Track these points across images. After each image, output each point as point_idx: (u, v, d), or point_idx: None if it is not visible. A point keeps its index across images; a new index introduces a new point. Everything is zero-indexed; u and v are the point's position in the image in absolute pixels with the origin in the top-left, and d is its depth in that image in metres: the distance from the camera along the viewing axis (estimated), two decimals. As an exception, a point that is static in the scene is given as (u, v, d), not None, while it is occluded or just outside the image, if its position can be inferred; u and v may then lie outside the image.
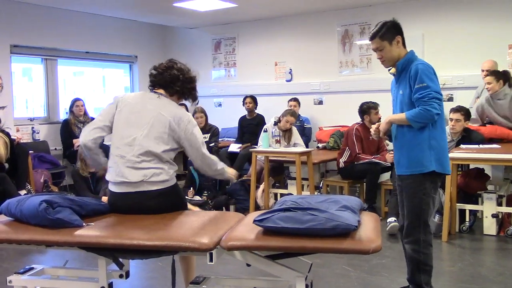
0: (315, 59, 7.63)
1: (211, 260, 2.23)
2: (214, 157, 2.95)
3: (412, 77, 3.01)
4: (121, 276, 2.65)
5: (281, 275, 2.37)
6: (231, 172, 3.09)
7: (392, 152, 5.63)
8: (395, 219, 4.88)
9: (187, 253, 2.31)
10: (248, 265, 2.40)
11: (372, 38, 3.12)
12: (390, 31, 3.09)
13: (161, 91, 2.89)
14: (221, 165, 2.95)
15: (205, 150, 2.85)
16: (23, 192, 5.38)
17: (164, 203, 2.69)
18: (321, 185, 5.96)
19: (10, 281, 2.58)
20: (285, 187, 6.09)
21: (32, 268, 2.73)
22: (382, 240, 4.64)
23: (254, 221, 2.20)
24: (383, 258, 4.22)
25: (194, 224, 2.45)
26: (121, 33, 8.20)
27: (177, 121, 2.75)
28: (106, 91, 8.97)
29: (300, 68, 7.82)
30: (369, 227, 2.31)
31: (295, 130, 6.36)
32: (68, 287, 2.66)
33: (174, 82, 2.88)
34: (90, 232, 2.33)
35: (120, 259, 2.43)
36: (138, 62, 8.52)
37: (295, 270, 2.34)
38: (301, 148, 6.01)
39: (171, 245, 2.21)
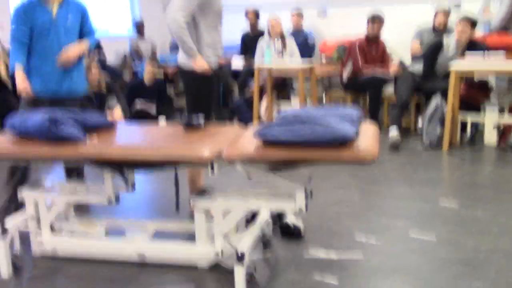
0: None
1: (212, 172, 2.30)
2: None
3: None
4: (126, 188, 2.74)
5: (281, 186, 2.44)
6: (199, 64, 3.13)
7: (395, 65, 5.66)
8: (397, 132, 4.94)
9: (189, 165, 2.37)
10: (250, 178, 2.47)
11: None
12: None
13: None
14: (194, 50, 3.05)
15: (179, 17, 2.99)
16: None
17: None
18: (324, 99, 5.97)
19: (20, 196, 2.67)
20: (289, 101, 6.11)
21: (40, 182, 2.81)
22: (384, 151, 4.78)
23: (255, 134, 2.24)
24: (383, 169, 4.32)
25: (196, 137, 2.49)
26: None
27: None
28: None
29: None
30: (367, 137, 2.34)
31: (290, 39, 6.24)
32: (77, 199, 2.76)
33: None
34: (95, 146, 2.38)
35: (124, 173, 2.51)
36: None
37: (295, 182, 2.41)
38: (296, 58, 5.94)
39: (172, 157, 2.27)
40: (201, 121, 2.70)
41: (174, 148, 2.33)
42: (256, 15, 7.28)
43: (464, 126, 4.96)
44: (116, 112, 5.53)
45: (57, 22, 3.20)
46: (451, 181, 4.04)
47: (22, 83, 3.13)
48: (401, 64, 5.70)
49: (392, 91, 5.75)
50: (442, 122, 4.78)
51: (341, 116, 2.42)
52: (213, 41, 3.22)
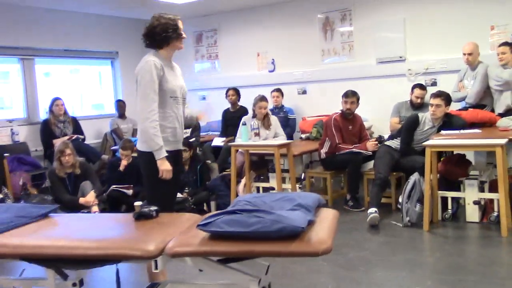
0: (298, 48, 7.49)
1: (156, 268, 2.13)
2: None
3: None
4: (74, 285, 2.55)
5: (234, 279, 2.27)
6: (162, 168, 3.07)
7: (373, 140, 5.60)
8: (376, 210, 4.79)
9: (132, 261, 2.21)
10: (201, 270, 2.31)
11: None
12: None
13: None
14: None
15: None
16: (-2, 196, 5.28)
17: None
18: (303, 177, 5.85)
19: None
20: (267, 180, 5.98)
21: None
22: (362, 231, 4.60)
23: (198, 225, 2.10)
24: (361, 250, 4.13)
25: (142, 228, 2.34)
26: (100, 29, 8.05)
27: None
28: (102, 87, 8.81)
29: (282, 58, 7.68)
30: (323, 226, 2.20)
31: (274, 118, 6.22)
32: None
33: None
34: (31, 241, 2.22)
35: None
36: (120, 57, 8.38)
37: (249, 274, 2.24)
38: (281, 139, 5.90)
39: (112, 253, 2.10)
40: (153, 210, 2.55)
41: (114, 242, 2.17)
42: (237, 92, 7.35)
43: (445, 202, 4.82)
44: (90, 195, 5.39)
45: None
46: (431, 264, 3.83)
47: None
48: (380, 140, 5.65)
49: (372, 167, 5.66)
50: (421, 199, 4.65)
51: (297, 203, 2.30)
52: (172, 121, 3.16)
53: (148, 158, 3.07)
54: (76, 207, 5.23)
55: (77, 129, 7.03)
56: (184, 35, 3.20)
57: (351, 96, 5.56)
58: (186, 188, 5.69)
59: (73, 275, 2.56)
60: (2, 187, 5.53)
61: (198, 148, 6.79)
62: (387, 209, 5.25)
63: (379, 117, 6.60)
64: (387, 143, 5.34)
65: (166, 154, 3.07)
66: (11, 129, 6.89)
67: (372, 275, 3.62)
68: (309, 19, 7.34)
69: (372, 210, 4.78)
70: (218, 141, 7.03)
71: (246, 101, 7.32)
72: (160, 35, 3.11)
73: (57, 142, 6.40)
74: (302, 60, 7.46)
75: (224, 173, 6.18)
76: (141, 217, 2.52)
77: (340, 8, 7.07)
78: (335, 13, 7.12)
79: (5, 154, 5.84)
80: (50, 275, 2.44)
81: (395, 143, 5.24)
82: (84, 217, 2.71)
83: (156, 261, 2.12)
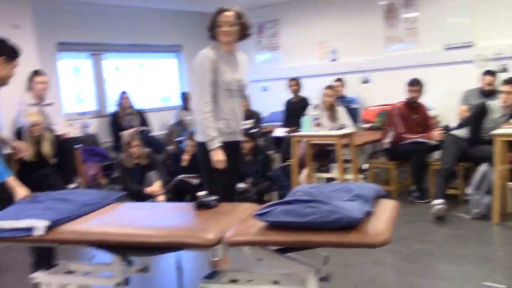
0: (359, 37, 7.36)
1: (214, 256, 2.18)
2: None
3: None
4: (139, 271, 2.66)
5: (292, 269, 2.28)
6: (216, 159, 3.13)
7: (439, 129, 5.41)
8: (442, 201, 4.64)
9: (192, 249, 2.27)
10: (259, 259, 2.33)
11: None
12: None
13: None
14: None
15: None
16: (71, 186, 5.56)
17: None
18: (366, 168, 5.76)
19: (33, 278, 2.64)
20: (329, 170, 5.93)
21: (57, 265, 2.79)
22: (427, 223, 4.47)
23: (254, 215, 2.12)
24: (426, 243, 4.02)
25: (202, 218, 2.40)
26: (165, 24, 8.26)
27: None
28: (168, 79, 9.03)
29: (344, 47, 7.57)
30: (381, 218, 2.16)
31: (341, 109, 6.14)
32: (86, 283, 2.70)
33: None
34: (98, 228, 2.34)
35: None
36: (184, 50, 8.58)
37: (306, 264, 2.25)
38: (348, 129, 5.81)
39: (173, 241, 2.17)
40: (213, 200, 2.61)
41: (175, 231, 2.24)
42: (298, 83, 7.33)
43: (517, 194, 4.59)
44: (156, 185, 5.57)
45: None
46: (501, 258, 3.68)
47: None
48: (446, 129, 5.45)
49: (438, 157, 5.47)
50: (491, 190, 4.45)
51: (354, 194, 2.27)
52: (225, 113, 3.21)
53: (204, 148, 3.16)
54: (142, 197, 5.43)
55: (143, 121, 7.27)
56: (224, 29, 3.16)
57: (416, 85, 5.40)
58: (248, 179, 5.75)
59: (139, 261, 2.68)
60: (75, 177, 5.82)
61: (262, 139, 6.84)
62: (454, 201, 5.07)
63: (445, 105, 6.36)
64: (454, 132, 5.15)
65: (219, 145, 3.13)
66: (83, 122, 7.24)
67: (436, 268, 3.53)
68: (371, 6, 7.18)
69: (438, 201, 4.64)
70: (280, 132, 7.05)
71: (308, 91, 7.29)
72: (209, 28, 3.20)
73: (124, 134, 6.66)
74: (365, 49, 7.32)
75: (286, 163, 6.19)
76: (201, 206, 2.58)
77: (404, -6, 6.87)
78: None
79: (78, 146, 6.13)
80: (116, 261, 2.57)
81: (463, 133, 5.04)
82: (147, 206, 2.81)
83: (214, 250, 2.17)
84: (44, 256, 3.09)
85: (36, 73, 5.78)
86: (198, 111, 3.16)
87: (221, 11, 3.18)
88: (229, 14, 3.16)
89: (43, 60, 6.31)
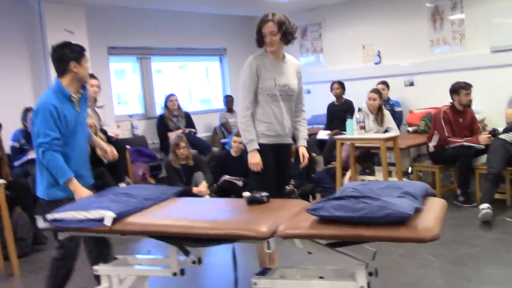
0: (404, 39, 7.34)
1: (268, 248, 2.28)
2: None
3: None
4: (193, 262, 2.78)
5: (341, 263, 2.35)
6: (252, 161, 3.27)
7: (486, 133, 5.35)
8: (489, 205, 4.60)
9: (246, 241, 2.37)
10: (310, 252, 2.42)
11: None
12: None
13: None
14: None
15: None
16: (122, 184, 5.77)
17: None
18: (410, 171, 5.75)
19: (96, 270, 2.79)
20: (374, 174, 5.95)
21: (116, 258, 2.94)
22: (473, 227, 4.44)
23: (307, 210, 2.21)
24: (472, 247, 4.00)
25: (254, 212, 2.50)
26: (210, 28, 8.45)
27: None
28: (209, 82, 9.27)
29: (388, 49, 7.56)
30: (430, 214, 2.21)
31: (387, 113, 6.15)
32: (145, 274, 2.84)
33: None
34: (157, 221, 2.48)
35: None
36: (228, 54, 8.75)
37: (356, 258, 2.31)
38: (393, 132, 5.81)
39: (228, 233, 2.28)
40: (264, 195, 2.71)
41: (229, 223, 2.35)
42: (342, 85, 7.36)
43: None
44: (202, 185, 5.73)
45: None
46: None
47: None
48: (493, 133, 5.38)
49: (484, 161, 5.41)
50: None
51: (404, 191, 2.33)
52: (268, 117, 3.32)
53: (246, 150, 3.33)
54: (189, 196, 5.58)
55: (189, 123, 7.46)
56: (267, 40, 3.28)
57: (471, 87, 5.37)
58: (292, 181, 5.84)
59: (193, 253, 2.81)
60: (125, 177, 6.04)
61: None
62: (501, 205, 5.01)
63: (492, 109, 6.27)
64: (501, 136, 5.09)
65: (256, 148, 3.26)
66: (131, 124, 7.49)
67: (482, 272, 3.52)
68: (417, 8, 7.15)
69: (485, 206, 4.60)
70: (323, 134, 7.10)
71: (351, 94, 7.31)
72: (257, 37, 3.35)
73: (172, 136, 6.86)
74: (409, 51, 7.30)
75: (329, 166, 6.24)
76: (253, 201, 2.69)
77: (451, -4, 6.82)
78: (445, 1, 6.87)
79: (127, 147, 6.36)
80: (172, 251, 2.70)
81: (510, 137, 4.98)
82: (202, 200, 2.95)
83: (268, 242, 2.27)
84: (99, 248, 3.24)
85: (89, 76, 6.03)
86: (239, 115, 3.36)
87: (263, 21, 3.28)
88: (270, 24, 3.25)
89: (94, 64, 6.58)
